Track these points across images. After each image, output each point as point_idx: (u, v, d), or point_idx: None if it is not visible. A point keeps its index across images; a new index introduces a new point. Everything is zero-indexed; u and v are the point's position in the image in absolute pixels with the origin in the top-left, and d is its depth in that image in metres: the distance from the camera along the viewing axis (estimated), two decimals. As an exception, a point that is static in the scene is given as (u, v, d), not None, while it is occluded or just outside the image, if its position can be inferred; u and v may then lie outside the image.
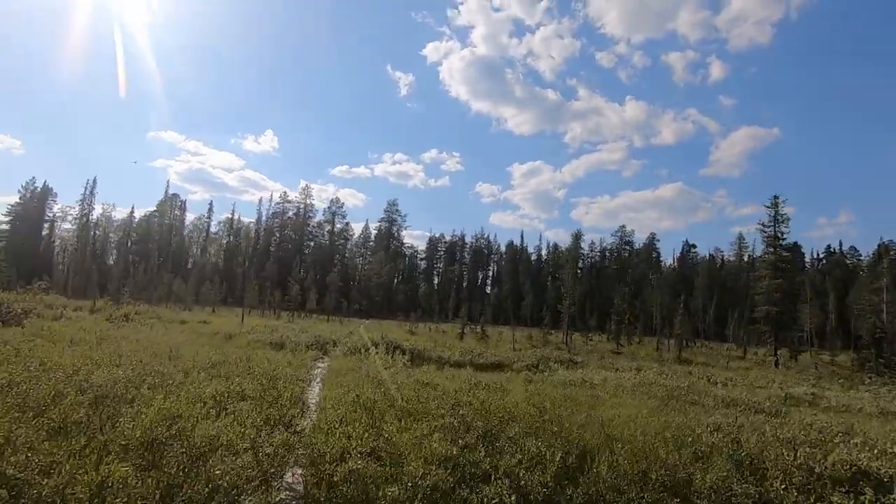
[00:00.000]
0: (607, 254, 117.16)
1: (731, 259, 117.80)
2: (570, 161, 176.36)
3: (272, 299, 55.93)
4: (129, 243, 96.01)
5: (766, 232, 42.61)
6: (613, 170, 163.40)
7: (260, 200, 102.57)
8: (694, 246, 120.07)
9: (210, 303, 57.08)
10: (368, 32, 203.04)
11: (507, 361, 21.18)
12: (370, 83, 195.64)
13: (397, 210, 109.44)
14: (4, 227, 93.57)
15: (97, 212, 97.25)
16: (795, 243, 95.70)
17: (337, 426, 6.75)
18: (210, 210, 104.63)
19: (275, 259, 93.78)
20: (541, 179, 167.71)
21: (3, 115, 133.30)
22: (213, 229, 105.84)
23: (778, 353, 38.90)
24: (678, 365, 27.26)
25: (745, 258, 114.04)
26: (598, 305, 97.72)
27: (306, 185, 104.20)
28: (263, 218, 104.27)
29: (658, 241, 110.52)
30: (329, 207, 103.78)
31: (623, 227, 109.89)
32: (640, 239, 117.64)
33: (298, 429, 6.88)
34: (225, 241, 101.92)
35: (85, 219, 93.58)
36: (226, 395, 7.73)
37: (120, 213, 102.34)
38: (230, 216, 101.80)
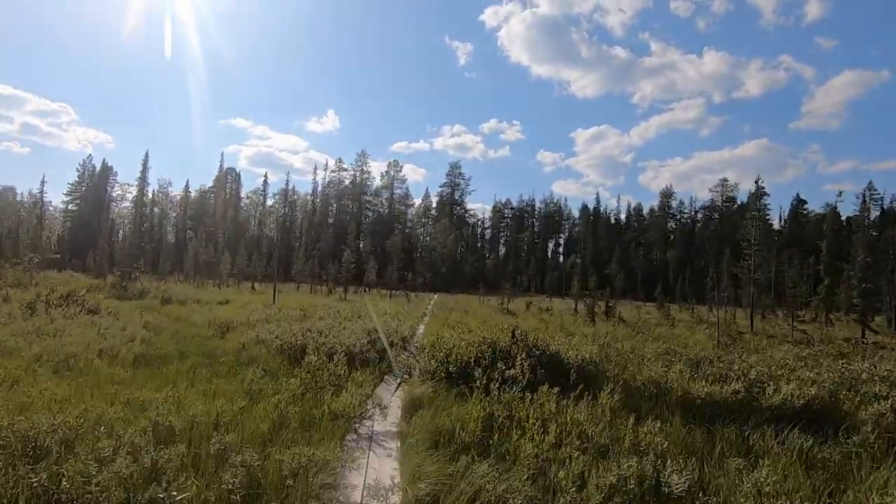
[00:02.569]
0: (698, 214, 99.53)
1: (855, 214, 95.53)
2: (639, 123, 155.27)
3: (323, 273, 45.79)
4: (186, 219, 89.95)
5: None
6: (689, 129, 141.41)
7: (314, 170, 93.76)
8: (804, 201, 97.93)
9: (257, 278, 47.54)
10: (425, 2, 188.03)
11: (824, 396, 8.25)
12: (428, 55, 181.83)
13: (460, 173, 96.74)
14: (73, 207, 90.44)
15: (153, 188, 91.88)
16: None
17: None
18: (265, 182, 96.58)
19: (332, 231, 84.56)
20: (606, 144, 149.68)
21: (97, 113, 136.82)
22: (269, 203, 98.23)
23: None
24: None
25: (872, 215, 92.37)
26: (698, 273, 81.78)
27: (362, 152, 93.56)
28: (319, 188, 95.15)
29: (767, 193, 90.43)
30: (387, 171, 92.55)
31: (725, 180, 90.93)
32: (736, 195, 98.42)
33: None
34: (281, 214, 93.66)
35: (140, 195, 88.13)
36: None
37: (178, 191, 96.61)
38: (285, 187, 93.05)
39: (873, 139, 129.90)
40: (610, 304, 26.48)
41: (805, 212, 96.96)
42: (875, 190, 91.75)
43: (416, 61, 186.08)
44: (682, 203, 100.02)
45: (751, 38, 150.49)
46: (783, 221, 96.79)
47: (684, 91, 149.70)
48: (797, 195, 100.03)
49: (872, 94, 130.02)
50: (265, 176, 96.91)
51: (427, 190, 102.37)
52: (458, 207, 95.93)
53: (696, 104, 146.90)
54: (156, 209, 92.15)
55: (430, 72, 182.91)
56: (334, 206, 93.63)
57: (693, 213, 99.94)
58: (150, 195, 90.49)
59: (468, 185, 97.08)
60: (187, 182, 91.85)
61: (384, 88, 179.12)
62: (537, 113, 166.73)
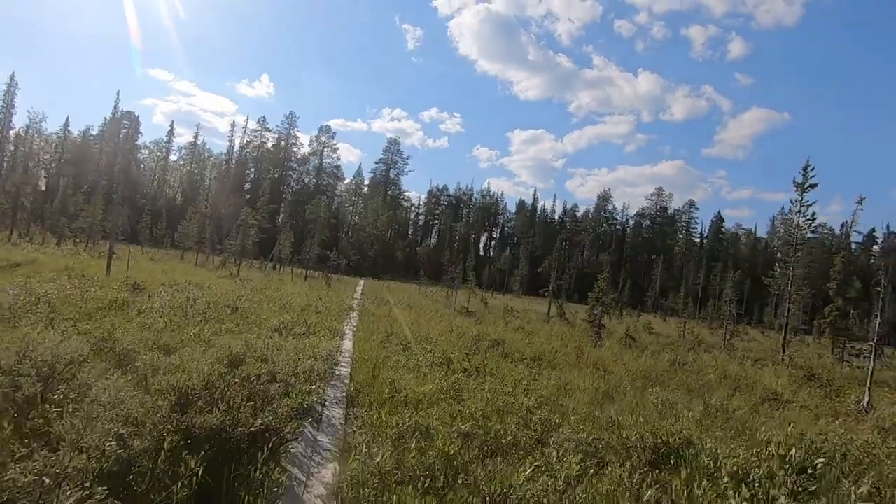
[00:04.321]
0: (630, 221, 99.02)
1: (763, 237, 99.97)
2: (573, 131, 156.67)
3: (221, 242, 35.31)
4: (62, 164, 72.33)
5: None
6: (617, 143, 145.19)
7: (232, 126, 78.12)
8: (723, 220, 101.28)
9: (131, 239, 35.81)
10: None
11: None
12: (376, 34, 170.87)
13: (399, 151, 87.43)
14: None
15: (20, 121, 73.01)
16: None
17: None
18: (171, 132, 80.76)
19: (248, 197, 71.84)
20: (541, 148, 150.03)
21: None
22: (173, 157, 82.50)
23: None
24: None
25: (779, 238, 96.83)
26: (631, 278, 79.95)
27: (291, 113, 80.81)
28: (236, 148, 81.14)
29: (697, 209, 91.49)
30: (317, 137, 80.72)
31: (661, 189, 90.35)
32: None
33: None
34: (186, 170, 78.91)
35: (1, 127, 69.42)
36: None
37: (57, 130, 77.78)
38: (193, 141, 78.31)
39: (769, 172, 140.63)
40: (596, 312, 19.57)
41: (724, 230, 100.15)
42: (787, 214, 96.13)
43: (363, 38, 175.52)
44: (614, 208, 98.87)
45: (681, 66, 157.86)
46: (703, 237, 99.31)
47: (618, 106, 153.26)
48: (718, 213, 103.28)
49: (774, 132, 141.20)
50: (171, 126, 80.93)
51: (360, 167, 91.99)
52: (392, 187, 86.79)
53: (626, 120, 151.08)
54: (21, 148, 73.36)
55: (377, 51, 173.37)
56: (252, 169, 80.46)
57: (625, 220, 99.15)
58: (15, 130, 71.79)
59: (406, 163, 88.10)
60: (67, 119, 74.05)
61: (326, 59, 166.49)
62: (479, 108, 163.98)
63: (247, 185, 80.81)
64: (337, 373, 7.33)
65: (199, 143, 79.90)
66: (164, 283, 14.14)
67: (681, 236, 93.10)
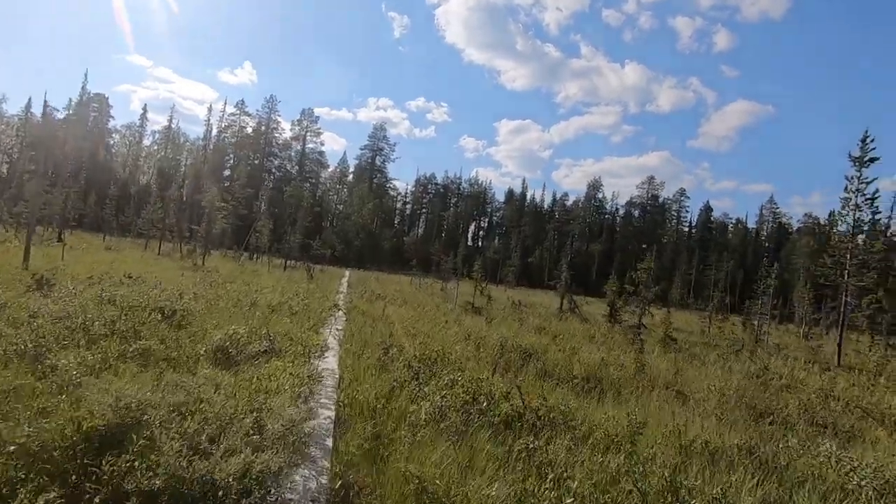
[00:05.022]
0: (620, 210, 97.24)
1: (752, 227, 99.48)
2: (559, 122, 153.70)
3: (190, 230, 31.76)
4: (24, 147, 67.00)
5: None
6: (604, 134, 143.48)
7: (209, 108, 72.93)
8: (711, 209, 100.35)
9: (90, 225, 31.98)
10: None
11: None
12: (362, 21, 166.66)
13: (385, 137, 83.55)
14: None
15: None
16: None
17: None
18: (144, 116, 75.85)
19: (231, 183, 67.54)
20: (527, 138, 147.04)
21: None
22: (146, 142, 77.59)
23: None
24: None
25: (768, 228, 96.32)
26: (619, 268, 78.11)
27: (272, 97, 76.28)
28: (214, 132, 76.43)
29: (688, 198, 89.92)
30: (299, 121, 76.39)
31: (652, 177, 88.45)
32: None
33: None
34: (160, 156, 74.17)
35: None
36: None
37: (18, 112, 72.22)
38: (168, 125, 73.53)
39: (751, 164, 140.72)
40: (616, 308, 16.88)
41: (712, 219, 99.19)
42: (776, 204, 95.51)
43: (348, 25, 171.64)
44: (604, 197, 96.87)
45: (668, 57, 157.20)
46: (691, 227, 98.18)
47: (605, 97, 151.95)
48: (706, 203, 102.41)
49: (758, 124, 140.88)
50: (144, 109, 76.09)
51: (345, 154, 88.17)
52: (378, 175, 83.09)
53: (613, 111, 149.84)
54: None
55: (363, 39, 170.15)
56: (231, 156, 75.93)
57: (614, 210, 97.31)
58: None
59: (392, 150, 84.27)
60: (29, 100, 68.66)
61: (311, 47, 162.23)
62: (466, 97, 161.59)
63: (226, 172, 76.41)
64: (315, 426, 4.37)
65: (174, 127, 75.06)
66: (92, 276, 10.93)
67: (671, 226, 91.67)
